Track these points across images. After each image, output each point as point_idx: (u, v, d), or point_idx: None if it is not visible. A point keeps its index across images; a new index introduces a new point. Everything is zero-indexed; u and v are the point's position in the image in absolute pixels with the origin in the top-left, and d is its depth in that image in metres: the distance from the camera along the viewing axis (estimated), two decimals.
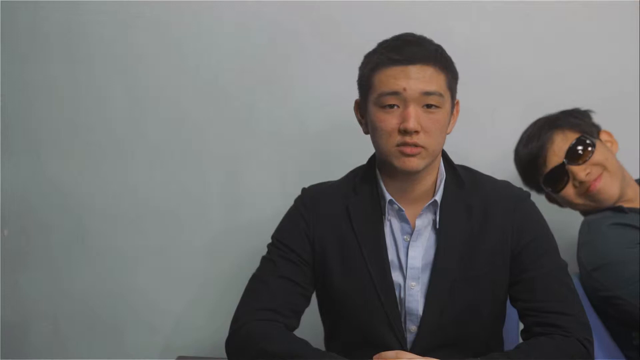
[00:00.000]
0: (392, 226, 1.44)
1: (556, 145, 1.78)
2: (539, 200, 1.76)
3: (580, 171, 1.74)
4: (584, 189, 1.76)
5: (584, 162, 1.75)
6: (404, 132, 1.35)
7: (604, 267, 1.63)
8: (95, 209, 2.17)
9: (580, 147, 1.76)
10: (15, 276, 2.20)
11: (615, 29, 2.00)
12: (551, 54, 2.01)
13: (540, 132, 1.81)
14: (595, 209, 1.78)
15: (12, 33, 2.13)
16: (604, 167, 1.76)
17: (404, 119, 1.35)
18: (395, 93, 1.36)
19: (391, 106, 1.37)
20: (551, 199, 1.86)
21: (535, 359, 1.31)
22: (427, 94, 1.36)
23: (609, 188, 1.75)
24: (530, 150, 1.80)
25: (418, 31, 1.45)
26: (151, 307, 2.18)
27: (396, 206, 1.42)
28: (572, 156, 1.76)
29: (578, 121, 1.81)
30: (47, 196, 2.18)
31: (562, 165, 1.76)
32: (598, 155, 1.76)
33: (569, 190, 1.78)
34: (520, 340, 1.42)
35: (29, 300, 2.21)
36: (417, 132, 1.35)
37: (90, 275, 2.18)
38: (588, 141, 1.77)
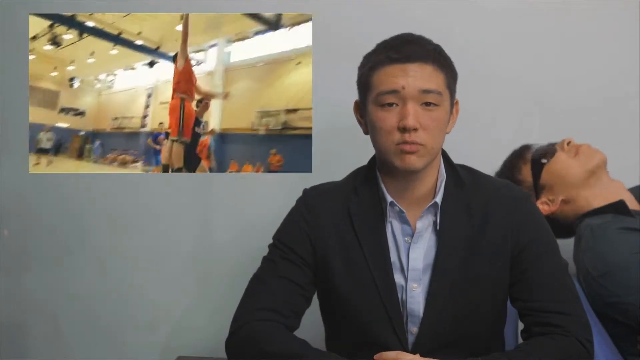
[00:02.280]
0: (393, 228, 1.44)
1: (524, 171, 1.84)
2: None
3: (562, 141, 1.83)
4: (575, 149, 1.81)
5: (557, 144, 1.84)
6: (403, 129, 1.35)
7: (611, 273, 1.61)
8: (95, 209, 2.17)
9: (545, 145, 1.85)
10: (15, 276, 2.20)
11: (615, 29, 2.00)
12: (551, 54, 2.01)
13: (507, 167, 1.88)
14: (592, 178, 1.79)
15: (12, 33, 2.13)
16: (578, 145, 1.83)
17: (402, 116, 1.35)
18: (394, 91, 1.36)
19: (390, 105, 1.37)
20: (543, 191, 1.85)
21: (536, 359, 1.31)
22: (426, 92, 1.36)
23: (595, 149, 1.81)
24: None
25: (418, 31, 1.45)
26: (151, 307, 2.18)
27: (397, 208, 1.42)
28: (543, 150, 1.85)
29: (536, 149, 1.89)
30: (47, 196, 2.18)
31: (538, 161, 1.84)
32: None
33: (561, 156, 1.81)
34: (520, 340, 1.42)
35: (29, 300, 2.21)
36: (415, 129, 1.34)
37: (90, 276, 2.18)
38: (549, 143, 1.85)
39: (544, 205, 1.82)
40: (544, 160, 1.82)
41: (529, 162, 1.85)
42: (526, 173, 1.84)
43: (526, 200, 1.46)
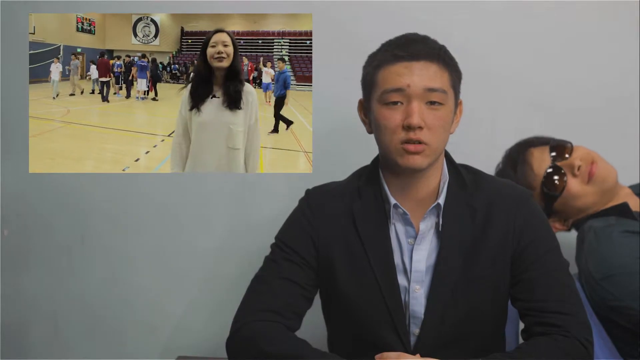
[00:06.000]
0: (396, 230, 1.44)
1: (536, 154, 1.79)
2: None
3: (572, 159, 1.75)
4: (587, 175, 1.74)
5: (570, 153, 1.77)
6: (408, 128, 1.35)
7: (614, 276, 1.60)
8: (95, 209, 2.17)
9: (559, 146, 1.78)
10: (15, 276, 2.20)
11: (615, 29, 2.00)
12: (551, 54, 2.01)
13: (516, 155, 1.82)
14: (605, 197, 1.75)
15: (12, 33, 2.13)
16: (591, 156, 1.77)
17: (407, 114, 1.35)
18: (399, 90, 1.35)
19: (395, 103, 1.36)
20: (556, 215, 1.81)
21: (536, 359, 1.31)
22: (431, 90, 1.36)
23: (607, 168, 1.76)
24: (513, 175, 1.79)
25: (418, 31, 1.45)
26: (151, 307, 2.18)
27: (401, 210, 1.42)
28: (558, 154, 1.77)
29: (543, 138, 1.83)
30: (47, 196, 2.18)
31: (553, 165, 1.77)
32: (579, 149, 1.78)
33: (574, 184, 1.75)
34: (521, 340, 1.42)
35: (29, 300, 2.21)
36: (420, 128, 1.34)
37: (90, 275, 2.18)
38: (562, 141, 1.79)
39: (555, 224, 1.79)
40: (555, 193, 1.76)
41: (543, 149, 1.80)
42: (538, 157, 1.79)
43: (528, 201, 1.46)
